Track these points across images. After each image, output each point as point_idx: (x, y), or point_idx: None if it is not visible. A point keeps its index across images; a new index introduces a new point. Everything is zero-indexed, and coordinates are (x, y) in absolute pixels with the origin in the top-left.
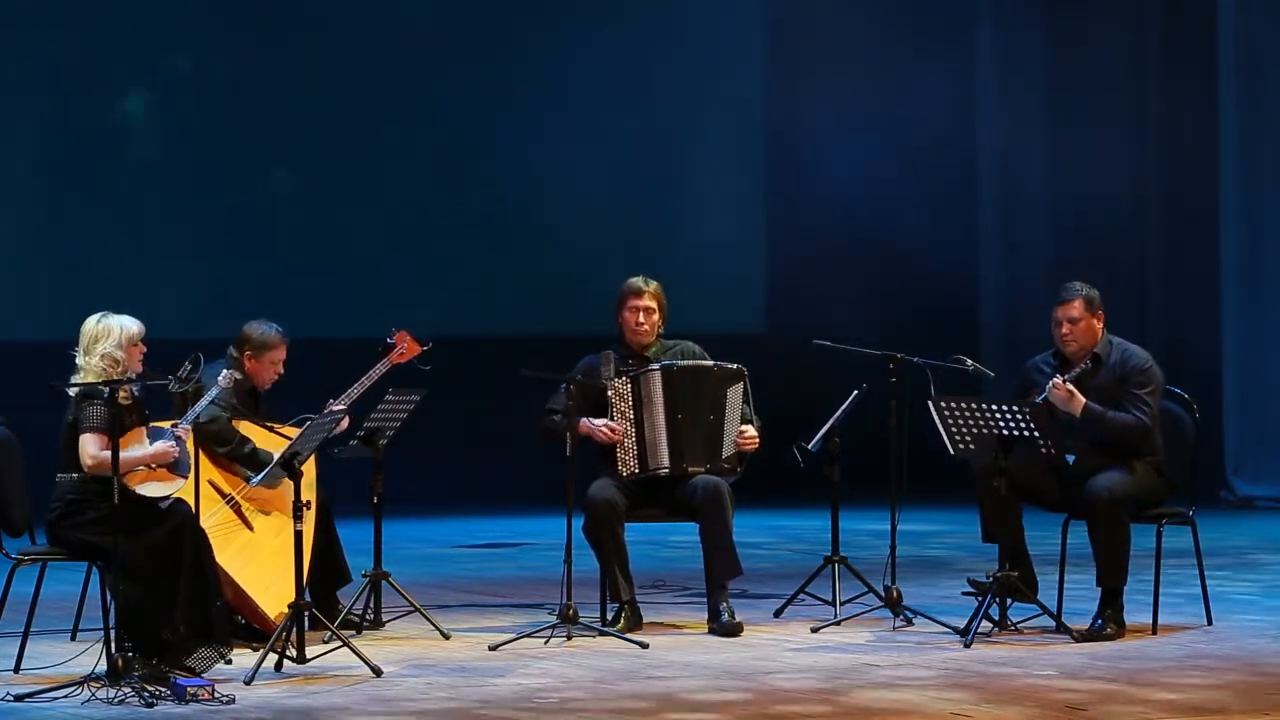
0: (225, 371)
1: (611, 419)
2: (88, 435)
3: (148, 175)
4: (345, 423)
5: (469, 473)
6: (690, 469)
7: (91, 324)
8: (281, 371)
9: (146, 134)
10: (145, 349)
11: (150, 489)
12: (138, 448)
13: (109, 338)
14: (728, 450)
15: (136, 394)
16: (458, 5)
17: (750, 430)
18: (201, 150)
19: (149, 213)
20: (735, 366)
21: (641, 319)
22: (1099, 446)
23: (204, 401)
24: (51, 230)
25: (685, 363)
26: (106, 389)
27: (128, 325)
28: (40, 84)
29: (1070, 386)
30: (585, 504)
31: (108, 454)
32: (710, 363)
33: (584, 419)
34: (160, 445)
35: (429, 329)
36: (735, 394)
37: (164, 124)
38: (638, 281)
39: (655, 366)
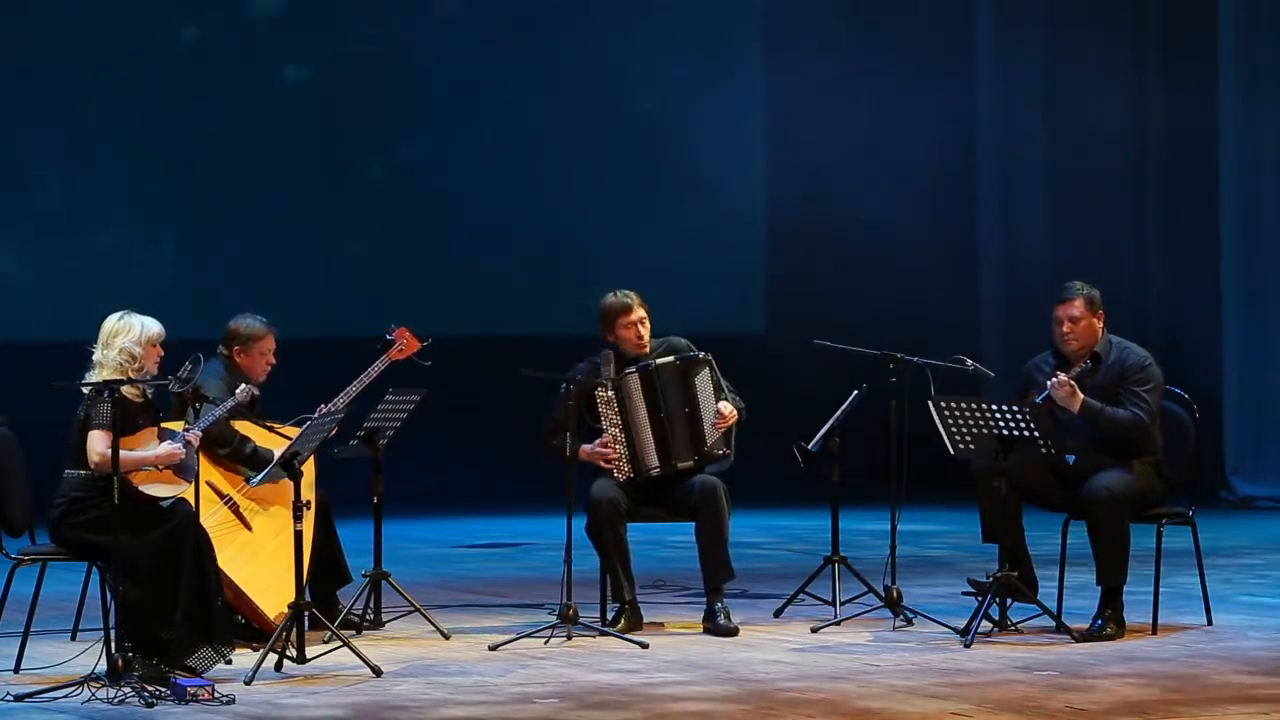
0: (244, 386)
1: (603, 428)
2: (96, 432)
3: (146, 177)
4: (332, 432)
5: (469, 473)
6: (680, 465)
7: (112, 320)
8: (273, 362)
9: (148, 137)
10: (162, 352)
11: (155, 490)
12: (146, 447)
13: (129, 333)
14: (711, 437)
15: (149, 394)
16: (458, 5)
17: (725, 408)
18: (202, 150)
19: (147, 213)
20: (701, 355)
21: (641, 331)
22: (1099, 445)
23: (219, 410)
24: (49, 231)
25: (659, 360)
26: (107, 389)
27: (149, 325)
28: (42, 87)
29: (1073, 383)
30: (587, 504)
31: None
32: (672, 357)
33: (583, 447)
34: (168, 446)
35: (429, 328)
36: (703, 381)
37: (168, 127)
38: (624, 299)
39: (631, 370)
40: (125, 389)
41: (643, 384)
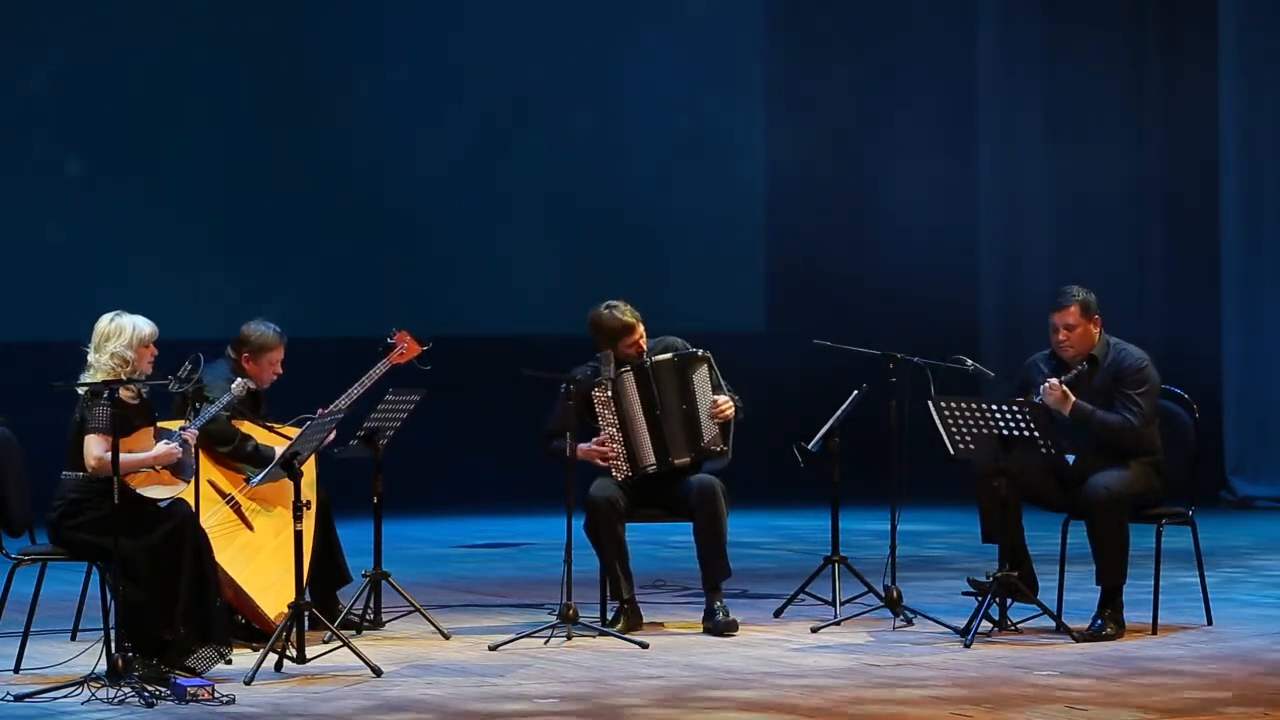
0: (239, 380)
1: (600, 428)
2: (93, 436)
3: (147, 176)
4: (331, 435)
5: (469, 473)
6: (676, 461)
7: (104, 322)
8: (280, 371)
9: (146, 136)
10: (156, 351)
11: (152, 491)
12: (143, 449)
13: (120, 337)
14: (709, 432)
15: (144, 395)
16: (478, 9)
17: (721, 399)
18: (199, 149)
19: (148, 212)
20: (698, 351)
21: (642, 345)
22: (1097, 446)
23: (215, 407)
24: (50, 229)
25: (654, 358)
26: (107, 389)
27: (140, 326)
28: (44, 86)
29: (1064, 388)
30: (586, 502)
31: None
32: (670, 354)
33: (580, 446)
34: (164, 447)
35: (429, 329)
36: (701, 377)
37: (165, 125)
38: (624, 319)
39: (626, 368)
40: (121, 390)
41: (638, 382)
